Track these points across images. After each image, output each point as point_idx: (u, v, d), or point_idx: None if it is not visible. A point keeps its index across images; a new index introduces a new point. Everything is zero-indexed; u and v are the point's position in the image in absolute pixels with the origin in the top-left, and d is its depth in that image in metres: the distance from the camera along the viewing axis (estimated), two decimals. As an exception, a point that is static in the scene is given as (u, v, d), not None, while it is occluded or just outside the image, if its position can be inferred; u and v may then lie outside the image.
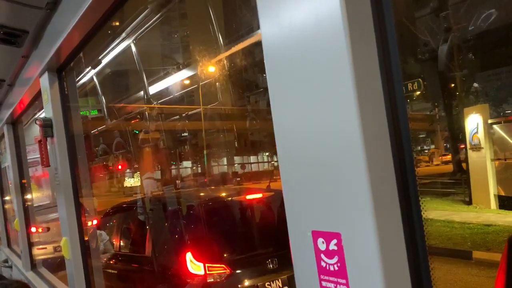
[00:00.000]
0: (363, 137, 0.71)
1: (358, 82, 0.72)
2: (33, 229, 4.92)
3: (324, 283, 0.79)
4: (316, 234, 0.80)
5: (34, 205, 5.59)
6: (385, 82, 0.77)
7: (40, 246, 6.84)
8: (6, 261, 5.59)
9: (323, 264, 0.79)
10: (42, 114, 3.35)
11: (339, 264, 0.76)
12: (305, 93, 0.81)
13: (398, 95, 0.77)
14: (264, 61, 0.89)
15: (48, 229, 7.77)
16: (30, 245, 4.47)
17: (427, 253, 0.76)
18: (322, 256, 0.79)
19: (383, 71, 0.77)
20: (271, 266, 4.44)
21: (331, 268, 0.77)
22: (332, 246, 0.77)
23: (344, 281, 0.75)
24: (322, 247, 0.79)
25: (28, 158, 4.80)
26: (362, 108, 0.72)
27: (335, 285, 0.77)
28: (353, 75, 0.72)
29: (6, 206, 6.13)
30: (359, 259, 0.73)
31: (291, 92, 0.84)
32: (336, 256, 0.76)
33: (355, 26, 0.73)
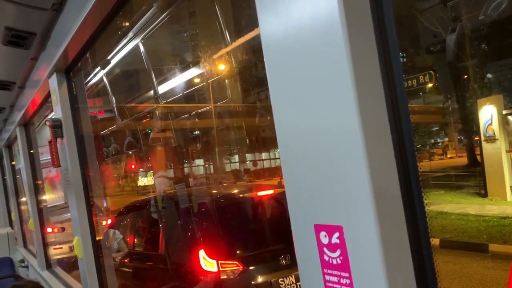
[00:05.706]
0: (363, 131, 0.71)
1: (357, 76, 0.71)
2: (49, 229, 4.98)
3: (327, 277, 0.79)
4: (318, 228, 0.79)
5: (49, 206, 5.66)
6: (385, 75, 0.76)
7: (57, 246, 6.92)
8: (22, 261, 5.68)
9: (326, 257, 0.78)
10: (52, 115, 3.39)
11: (341, 258, 0.75)
12: (305, 88, 0.80)
13: (398, 87, 0.76)
14: (264, 57, 0.89)
15: (64, 229, 7.86)
16: (45, 245, 4.53)
17: (430, 245, 0.75)
18: (325, 249, 0.78)
19: (383, 64, 0.76)
20: (284, 262, 4.43)
21: (334, 262, 0.77)
22: (335, 239, 0.76)
23: (347, 274, 0.75)
24: (325, 240, 0.78)
25: (41, 159, 4.86)
26: (362, 101, 0.71)
27: (338, 278, 0.77)
28: (352, 69, 0.71)
29: (22, 207, 6.21)
30: (361, 252, 0.72)
31: (291, 88, 0.84)
32: (339, 250, 0.76)
33: (353, 20, 0.72)
